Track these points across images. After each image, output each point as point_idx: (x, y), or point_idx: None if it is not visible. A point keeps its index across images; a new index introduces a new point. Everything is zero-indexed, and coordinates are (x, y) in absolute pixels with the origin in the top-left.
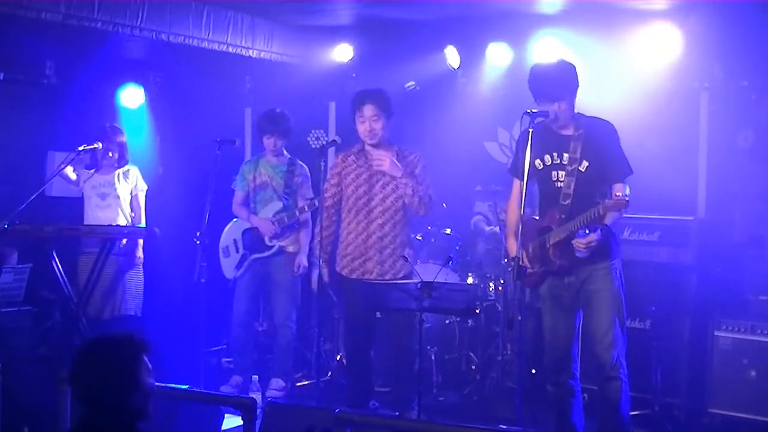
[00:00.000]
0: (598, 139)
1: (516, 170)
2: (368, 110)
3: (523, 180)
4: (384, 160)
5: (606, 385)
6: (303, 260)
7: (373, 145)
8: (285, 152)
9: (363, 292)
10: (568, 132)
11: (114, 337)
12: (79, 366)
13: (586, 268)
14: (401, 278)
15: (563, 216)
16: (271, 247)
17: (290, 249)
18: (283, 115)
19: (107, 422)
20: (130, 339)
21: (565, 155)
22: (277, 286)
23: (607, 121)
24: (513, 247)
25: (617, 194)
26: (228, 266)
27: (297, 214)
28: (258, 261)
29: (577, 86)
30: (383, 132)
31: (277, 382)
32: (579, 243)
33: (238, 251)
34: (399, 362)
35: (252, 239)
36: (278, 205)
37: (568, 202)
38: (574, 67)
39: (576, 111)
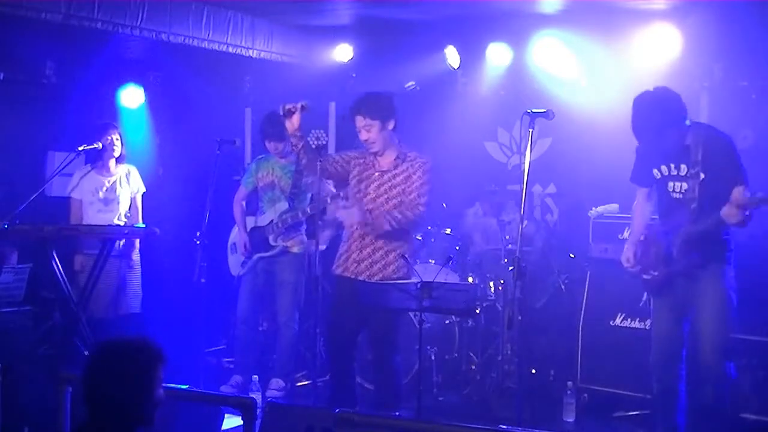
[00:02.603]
0: (714, 152)
1: (636, 178)
2: (359, 121)
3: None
4: (352, 216)
5: (700, 388)
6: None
7: (376, 153)
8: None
9: (348, 289)
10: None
11: (132, 343)
12: (92, 368)
13: (698, 270)
14: (376, 282)
15: (694, 218)
16: (275, 246)
17: (294, 250)
18: (280, 117)
19: (110, 426)
20: (149, 347)
21: (683, 166)
22: (281, 286)
23: (725, 134)
24: (629, 252)
25: (737, 196)
26: (234, 263)
27: (300, 216)
28: (262, 260)
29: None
30: (381, 138)
31: (277, 382)
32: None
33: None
34: (381, 377)
35: (256, 238)
36: (284, 205)
37: (695, 205)
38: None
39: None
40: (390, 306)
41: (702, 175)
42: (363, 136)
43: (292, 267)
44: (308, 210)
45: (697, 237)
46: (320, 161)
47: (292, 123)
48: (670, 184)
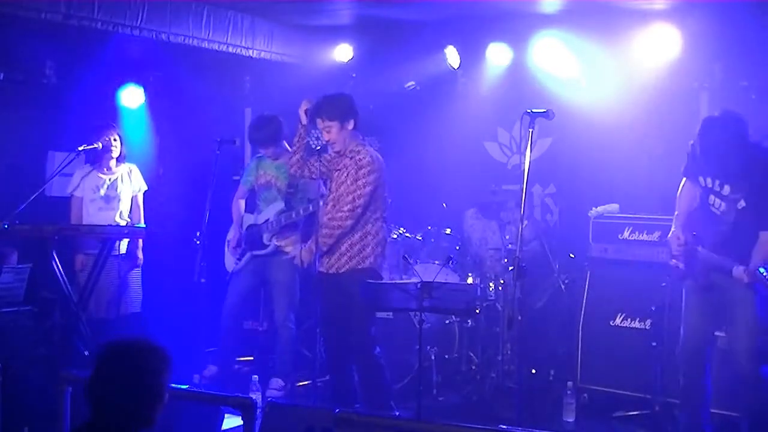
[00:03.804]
0: (762, 183)
1: (688, 172)
2: (319, 124)
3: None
4: (308, 256)
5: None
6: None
7: (338, 152)
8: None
9: (327, 284)
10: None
11: (141, 344)
12: (100, 368)
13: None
14: (343, 273)
15: (716, 241)
16: (268, 246)
17: (289, 250)
18: (266, 122)
19: (113, 427)
20: (158, 349)
21: (726, 187)
22: (276, 287)
23: None
24: (679, 234)
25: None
26: (229, 258)
27: (294, 216)
28: (256, 259)
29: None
30: (341, 138)
31: (276, 382)
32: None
33: (240, 245)
34: (362, 372)
35: (252, 236)
36: (280, 205)
37: (725, 228)
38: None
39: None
40: (390, 306)
41: (742, 203)
42: (325, 136)
43: (286, 268)
44: (302, 211)
45: (717, 268)
46: (320, 161)
47: (306, 118)
48: (711, 197)
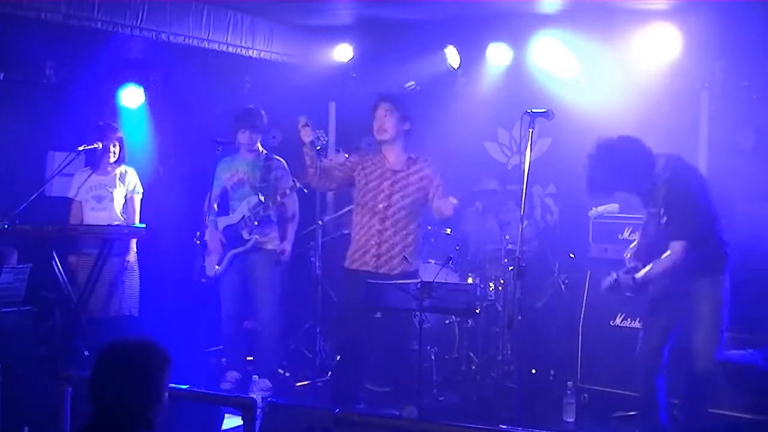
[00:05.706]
0: (674, 199)
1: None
2: (383, 107)
3: None
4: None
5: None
6: (287, 247)
7: (384, 142)
8: (260, 148)
9: (361, 284)
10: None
11: (141, 345)
12: (101, 369)
13: (692, 285)
14: (396, 275)
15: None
16: (248, 241)
17: (268, 246)
18: (258, 111)
19: (114, 428)
20: (158, 349)
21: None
22: (257, 284)
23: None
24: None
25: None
26: (210, 263)
27: (271, 205)
28: (238, 257)
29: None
30: (394, 130)
31: (264, 383)
32: None
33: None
34: (397, 363)
35: (230, 235)
36: (254, 199)
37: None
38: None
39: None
40: (390, 306)
41: (664, 218)
42: (379, 122)
43: (266, 264)
44: (271, 204)
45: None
46: (321, 161)
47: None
48: (644, 211)
